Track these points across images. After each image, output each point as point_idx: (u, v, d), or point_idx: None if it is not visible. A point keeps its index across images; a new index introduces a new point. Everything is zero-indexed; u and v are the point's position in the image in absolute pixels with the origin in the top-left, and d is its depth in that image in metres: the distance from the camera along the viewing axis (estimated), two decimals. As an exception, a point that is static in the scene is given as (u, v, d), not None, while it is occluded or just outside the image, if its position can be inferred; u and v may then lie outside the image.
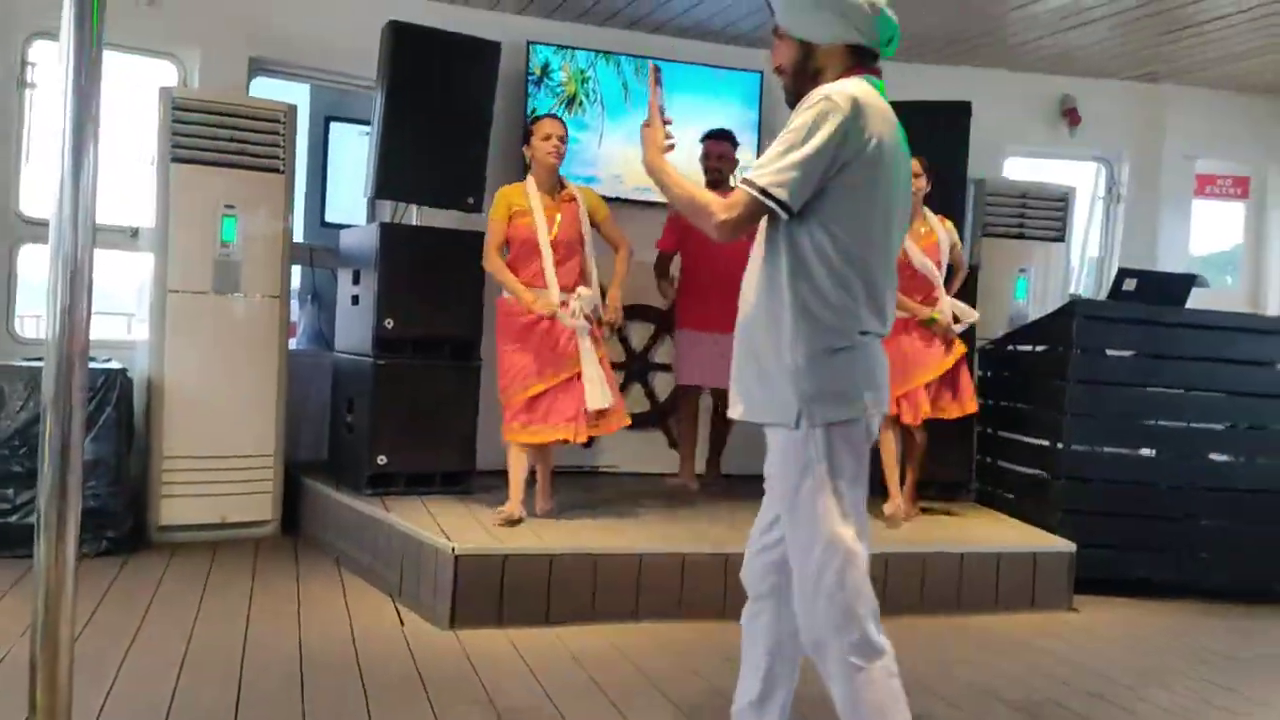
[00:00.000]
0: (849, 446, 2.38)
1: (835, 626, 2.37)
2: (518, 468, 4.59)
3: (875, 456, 5.07)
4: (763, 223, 2.48)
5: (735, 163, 5.47)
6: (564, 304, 4.48)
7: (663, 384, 6.14)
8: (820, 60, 2.45)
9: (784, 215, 2.37)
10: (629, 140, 6.27)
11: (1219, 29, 5.79)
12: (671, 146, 2.65)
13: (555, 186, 4.63)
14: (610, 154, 6.27)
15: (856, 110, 2.31)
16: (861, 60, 2.44)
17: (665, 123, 2.65)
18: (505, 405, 4.57)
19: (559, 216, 4.57)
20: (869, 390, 2.40)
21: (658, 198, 5.98)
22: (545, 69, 6.09)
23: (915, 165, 4.90)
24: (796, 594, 2.43)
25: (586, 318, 4.50)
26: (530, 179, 4.62)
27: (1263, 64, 6.39)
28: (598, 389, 4.44)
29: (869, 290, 2.38)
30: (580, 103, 6.22)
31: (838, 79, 2.40)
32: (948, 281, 5.15)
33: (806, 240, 2.37)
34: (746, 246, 5.58)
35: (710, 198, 2.51)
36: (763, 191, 2.34)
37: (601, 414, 4.52)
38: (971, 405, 5.17)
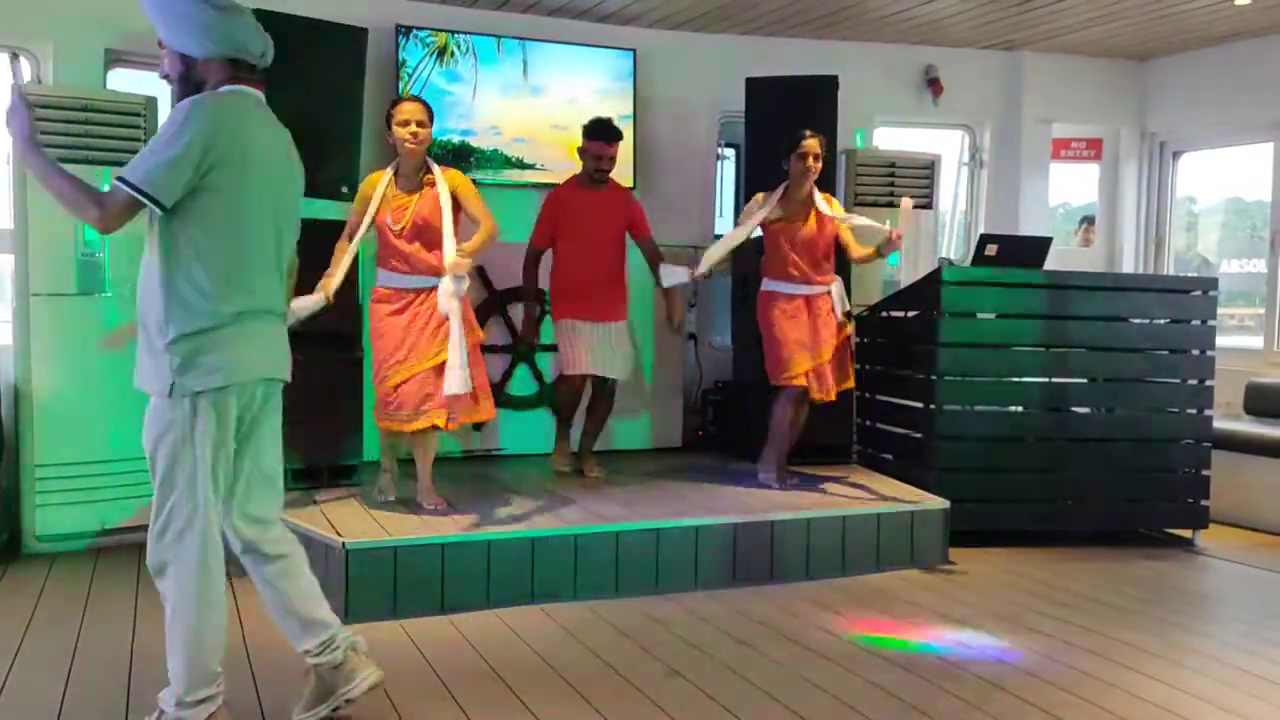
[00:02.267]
0: (214, 413, 2.72)
1: (169, 562, 2.79)
2: (388, 455, 4.77)
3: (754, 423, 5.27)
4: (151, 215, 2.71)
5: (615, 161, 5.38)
6: (432, 289, 4.44)
7: (548, 364, 6.17)
8: (201, 71, 2.78)
9: (158, 210, 2.65)
10: (504, 92, 6.29)
11: (1068, -1, 6.05)
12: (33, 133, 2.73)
13: (418, 171, 4.54)
14: (485, 106, 6.25)
15: (219, 117, 2.67)
16: (240, 71, 2.78)
17: (30, 108, 2.75)
18: (376, 390, 4.59)
19: (415, 202, 4.48)
20: (235, 362, 2.73)
21: (535, 175, 5.99)
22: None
23: (814, 145, 5.07)
24: (151, 527, 2.79)
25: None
26: (393, 166, 4.55)
27: (1112, 29, 6.69)
28: (456, 375, 4.31)
29: (238, 276, 2.72)
30: (451, 54, 6.16)
31: (217, 87, 2.75)
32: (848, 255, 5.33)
33: (180, 232, 2.67)
34: (620, 237, 5.70)
35: (90, 195, 2.67)
36: (135, 188, 2.61)
37: (460, 400, 4.42)
38: (851, 380, 5.41)
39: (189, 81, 2.77)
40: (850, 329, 5.39)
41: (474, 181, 4.82)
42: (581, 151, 5.34)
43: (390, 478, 4.80)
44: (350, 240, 4.54)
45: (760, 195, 5.27)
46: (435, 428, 4.53)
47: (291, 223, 2.92)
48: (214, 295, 2.68)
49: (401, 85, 5.96)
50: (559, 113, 6.34)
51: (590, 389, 5.50)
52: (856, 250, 5.29)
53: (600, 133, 5.28)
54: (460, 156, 6.13)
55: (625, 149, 6.35)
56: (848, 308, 5.38)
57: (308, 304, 4.17)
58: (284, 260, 2.90)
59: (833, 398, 5.29)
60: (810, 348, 5.17)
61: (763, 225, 5.21)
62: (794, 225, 5.19)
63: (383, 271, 4.58)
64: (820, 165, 5.17)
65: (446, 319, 4.39)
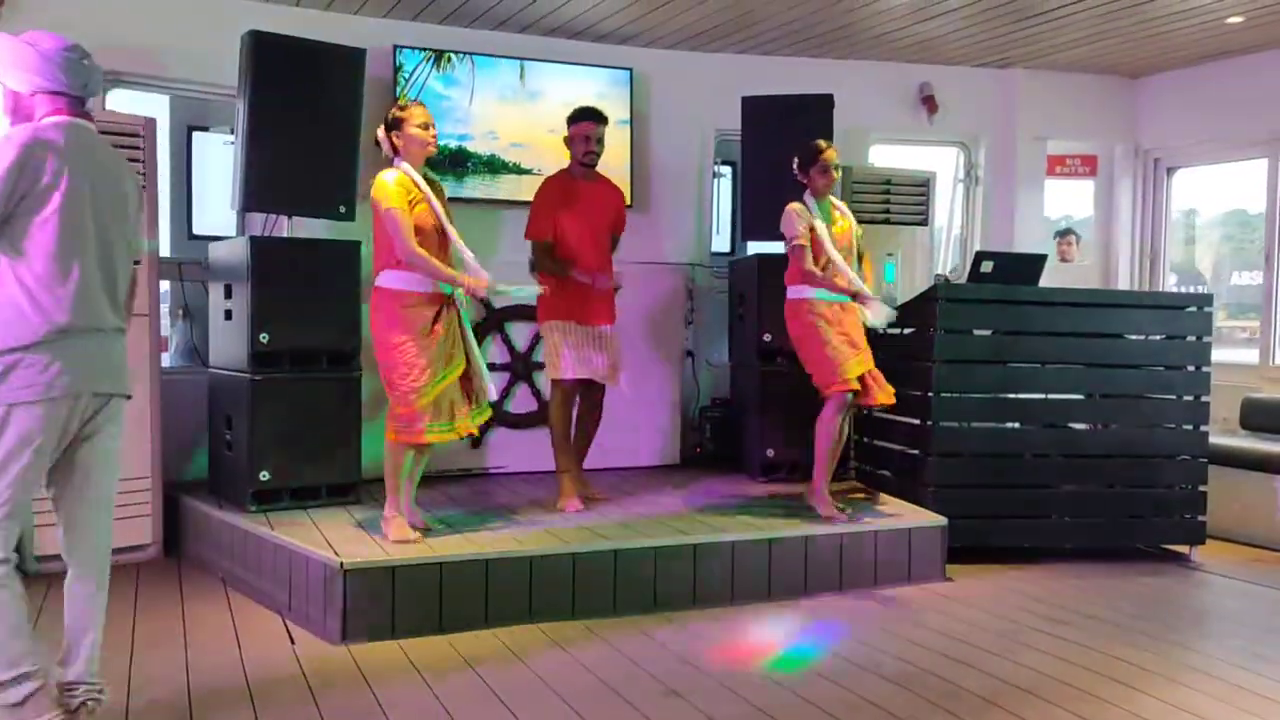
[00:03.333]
0: (24, 424, 2.79)
1: None
2: (401, 480, 4.48)
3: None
4: None
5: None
6: (452, 296, 4.46)
7: (548, 383, 6.16)
8: (29, 105, 2.93)
9: None
10: (501, 97, 6.32)
11: (1064, 15, 6.08)
12: None
13: (424, 175, 4.51)
14: (483, 112, 6.29)
15: (33, 147, 2.78)
16: (68, 104, 2.93)
17: None
18: (400, 403, 4.34)
19: (434, 200, 4.44)
20: (52, 377, 2.81)
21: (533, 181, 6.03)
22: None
23: (834, 155, 5.07)
24: None
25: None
26: (406, 165, 4.42)
27: (1105, 47, 6.74)
28: (488, 380, 4.49)
29: (59, 296, 2.82)
30: (449, 59, 6.19)
31: (44, 119, 2.89)
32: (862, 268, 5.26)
33: (3, 256, 2.81)
34: (605, 236, 5.59)
35: None
36: None
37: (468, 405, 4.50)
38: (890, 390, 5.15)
39: (19, 114, 2.94)
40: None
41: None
42: (569, 140, 5.21)
43: (406, 510, 4.55)
44: (413, 239, 4.30)
45: (797, 205, 5.06)
46: (461, 437, 4.60)
47: (124, 244, 3.03)
48: (31, 314, 2.80)
49: (399, 90, 6.00)
50: (556, 117, 6.37)
51: (577, 400, 5.29)
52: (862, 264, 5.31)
53: (586, 113, 5.19)
54: (457, 162, 6.19)
55: (623, 164, 6.41)
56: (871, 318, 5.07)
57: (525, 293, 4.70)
58: (117, 280, 3.01)
59: (893, 400, 5.07)
60: (857, 350, 5.01)
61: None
62: (837, 231, 5.09)
63: (413, 276, 4.35)
64: (839, 175, 5.16)
65: (461, 325, 4.47)
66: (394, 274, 4.36)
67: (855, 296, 4.99)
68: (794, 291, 5.10)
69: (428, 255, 4.32)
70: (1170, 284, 7.85)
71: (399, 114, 4.46)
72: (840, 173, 5.17)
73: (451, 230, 4.46)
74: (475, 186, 6.27)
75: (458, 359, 4.46)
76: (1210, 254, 8.27)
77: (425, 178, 4.48)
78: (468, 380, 4.52)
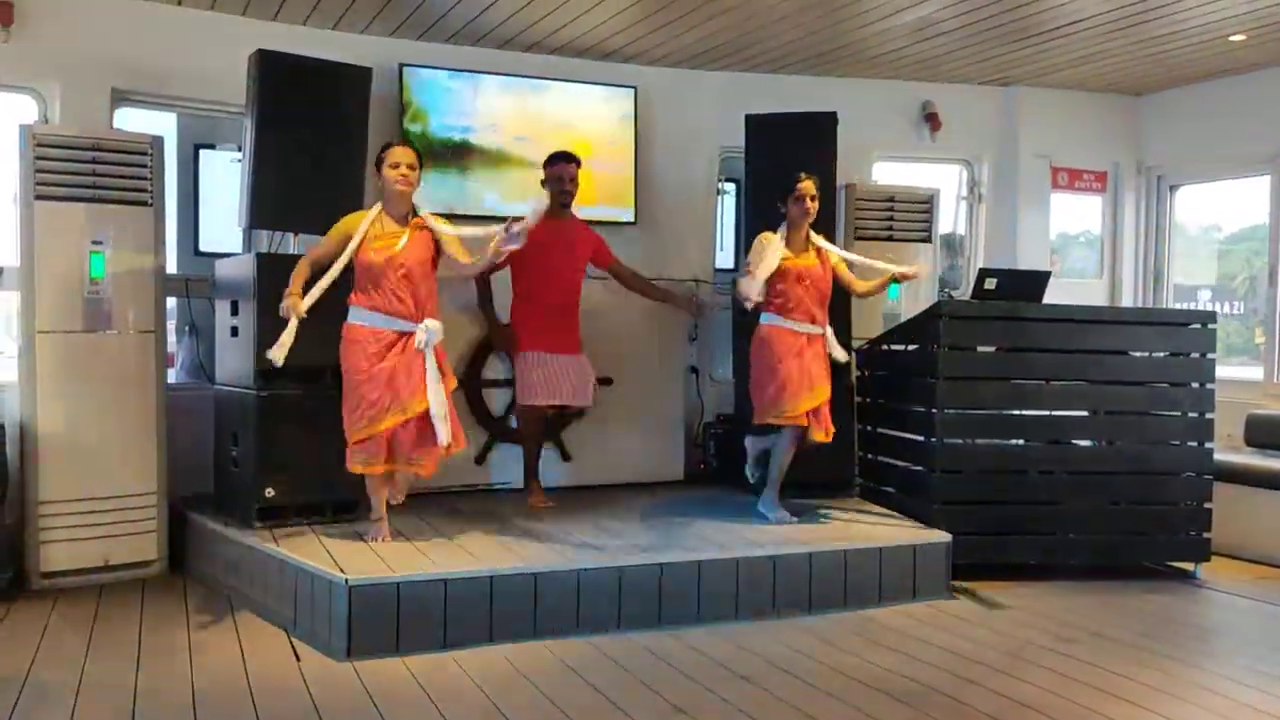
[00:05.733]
0: None
1: None
2: (379, 491, 4.71)
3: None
4: None
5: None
6: (411, 334, 4.50)
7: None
8: None
9: None
10: (505, 89, 6.36)
11: (1063, 35, 6.12)
12: None
13: (406, 215, 4.60)
14: (487, 105, 6.32)
15: None
16: None
17: None
18: (348, 432, 4.52)
19: (402, 245, 4.51)
20: None
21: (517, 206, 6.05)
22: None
23: (810, 187, 5.12)
24: None
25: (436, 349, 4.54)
26: (378, 207, 4.58)
27: (1107, 65, 6.77)
28: (443, 426, 4.48)
29: None
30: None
31: None
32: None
33: None
34: (578, 272, 5.69)
35: None
36: None
37: (432, 449, 4.54)
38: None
39: None
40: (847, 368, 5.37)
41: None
42: (545, 181, 5.53)
43: (385, 518, 4.75)
44: (316, 269, 4.50)
45: (768, 234, 5.23)
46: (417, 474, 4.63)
47: None
48: None
49: (402, 85, 6.05)
50: (561, 110, 6.44)
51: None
52: (860, 285, 5.35)
53: (563, 156, 5.54)
54: (460, 154, 6.23)
55: (627, 183, 6.44)
56: (845, 356, 5.43)
57: (286, 338, 4.36)
58: None
59: (830, 438, 5.28)
60: (811, 387, 5.16)
61: None
62: (802, 264, 5.19)
63: (362, 310, 4.52)
64: (817, 205, 5.21)
65: (424, 366, 4.48)
66: (353, 307, 4.55)
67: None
68: (764, 318, 5.26)
69: (296, 270, 4.48)
70: (1205, 300, 7.80)
71: (381, 153, 4.64)
72: (817, 204, 5.20)
73: (450, 235, 4.58)
74: (479, 178, 6.32)
75: (414, 401, 4.46)
76: (1244, 268, 8.20)
77: (414, 212, 4.60)
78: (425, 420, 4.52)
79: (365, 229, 4.52)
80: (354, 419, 4.49)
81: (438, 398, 4.48)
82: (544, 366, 5.42)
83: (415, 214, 4.62)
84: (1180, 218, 7.89)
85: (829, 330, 5.31)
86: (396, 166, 4.53)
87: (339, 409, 5.02)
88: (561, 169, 5.50)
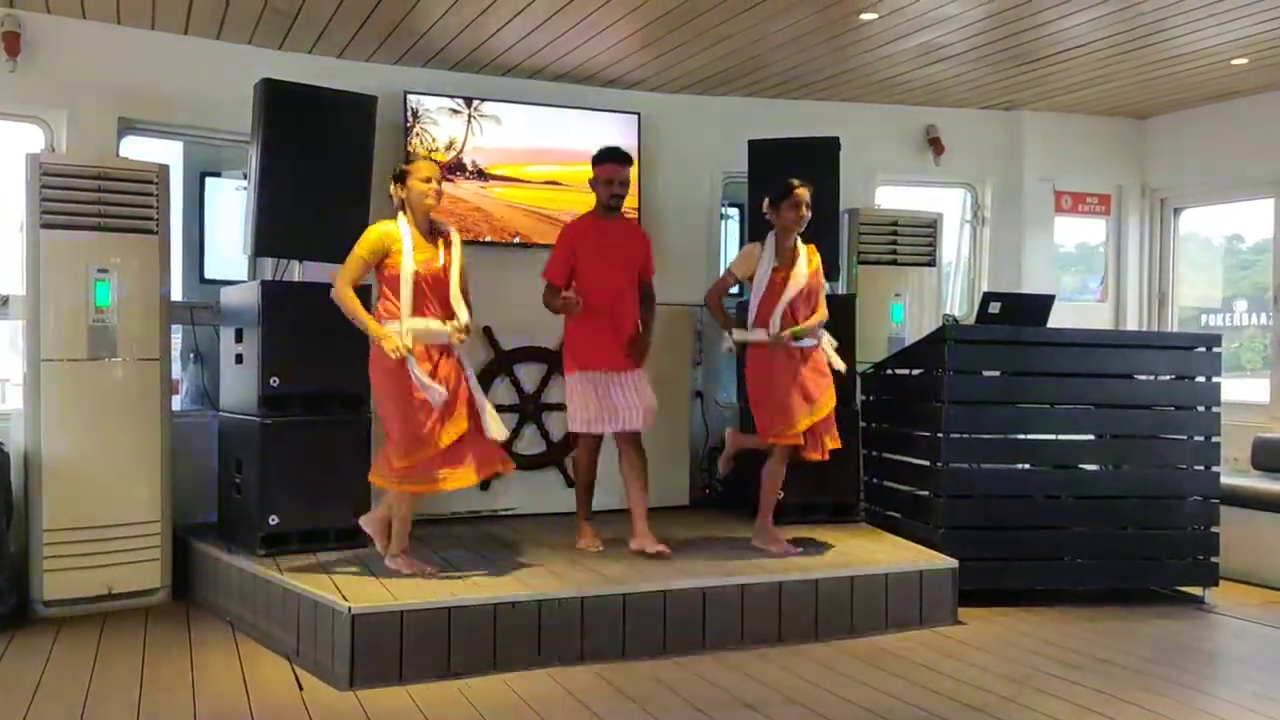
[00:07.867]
0: None
1: None
2: (409, 516, 4.62)
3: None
4: None
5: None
6: (448, 347, 4.50)
7: (557, 424, 6.19)
8: None
9: None
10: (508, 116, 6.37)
11: (1066, 60, 6.13)
12: None
13: (431, 228, 4.59)
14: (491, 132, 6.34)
15: None
16: None
17: None
18: (404, 456, 4.41)
19: (435, 258, 4.50)
20: None
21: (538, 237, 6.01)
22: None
23: (805, 194, 5.05)
24: None
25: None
26: (403, 218, 4.52)
27: (1108, 90, 6.79)
28: (493, 419, 4.52)
29: None
30: None
31: None
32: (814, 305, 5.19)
33: None
34: (632, 281, 5.40)
35: None
36: None
37: (489, 452, 4.55)
38: (838, 440, 5.22)
39: None
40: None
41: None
42: (594, 181, 5.18)
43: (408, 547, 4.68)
44: (351, 285, 4.44)
45: (754, 245, 5.17)
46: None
47: None
48: None
49: (406, 112, 6.07)
50: (565, 136, 6.45)
51: (615, 450, 5.20)
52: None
53: (611, 155, 5.15)
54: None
55: (631, 206, 6.43)
56: (844, 365, 5.27)
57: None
58: None
59: (828, 456, 5.17)
60: (810, 403, 5.07)
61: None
62: (792, 275, 5.09)
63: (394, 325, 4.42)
64: (810, 214, 5.12)
65: (463, 376, 4.52)
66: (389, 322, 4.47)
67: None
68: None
69: (352, 299, 4.42)
70: (1241, 310, 7.74)
71: (405, 167, 4.62)
72: (810, 211, 5.10)
73: (454, 283, 4.52)
74: (490, 187, 6.30)
75: (463, 410, 4.47)
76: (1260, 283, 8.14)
77: (435, 228, 4.57)
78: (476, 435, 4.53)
79: (408, 242, 4.45)
80: (415, 437, 4.39)
81: (479, 393, 4.55)
82: (592, 388, 5.04)
83: (439, 228, 4.61)
84: (1205, 232, 7.87)
85: (825, 338, 5.17)
86: (429, 180, 4.50)
87: (345, 435, 5.02)
88: (611, 170, 5.10)
